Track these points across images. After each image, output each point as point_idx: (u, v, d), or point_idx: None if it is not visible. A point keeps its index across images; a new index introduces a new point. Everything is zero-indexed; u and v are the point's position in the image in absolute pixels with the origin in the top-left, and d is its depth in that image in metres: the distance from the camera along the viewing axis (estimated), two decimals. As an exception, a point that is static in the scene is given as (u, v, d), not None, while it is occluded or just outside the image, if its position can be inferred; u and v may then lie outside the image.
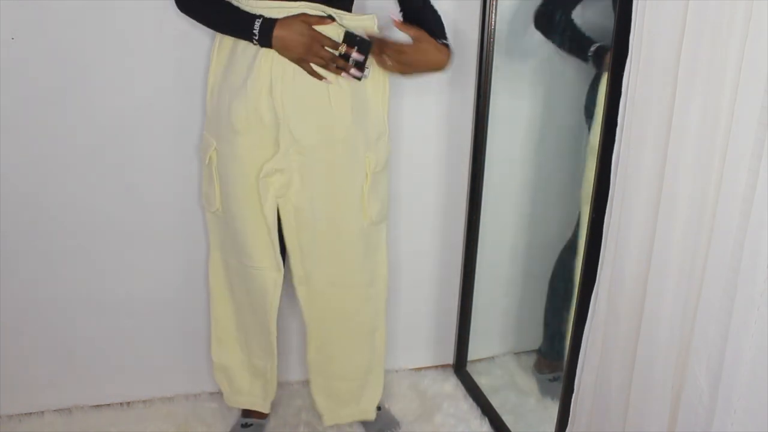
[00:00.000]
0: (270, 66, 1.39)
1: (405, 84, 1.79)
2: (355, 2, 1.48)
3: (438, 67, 1.47)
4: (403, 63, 1.42)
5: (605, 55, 1.36)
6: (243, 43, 1.41)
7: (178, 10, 1.47)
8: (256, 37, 1.36)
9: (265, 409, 1.78)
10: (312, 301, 1.62)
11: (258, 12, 1.37)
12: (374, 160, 1.53)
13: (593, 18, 1.71)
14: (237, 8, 1.39)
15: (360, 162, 1.51)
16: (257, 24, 1.35)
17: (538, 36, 1.81)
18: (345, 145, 1.48)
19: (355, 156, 1.51)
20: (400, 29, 1.42)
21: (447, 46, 1.47)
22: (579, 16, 1.71)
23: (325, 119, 1.45)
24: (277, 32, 1.35)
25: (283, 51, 1.37)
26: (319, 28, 1.37)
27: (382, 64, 1.44)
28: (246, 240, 1.54)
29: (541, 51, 1.87)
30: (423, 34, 1.42)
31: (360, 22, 1.43)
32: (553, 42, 1.78)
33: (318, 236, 1.55)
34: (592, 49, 1.67)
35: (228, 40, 1.45)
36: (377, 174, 1.55)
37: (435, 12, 1.51)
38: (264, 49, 1.38)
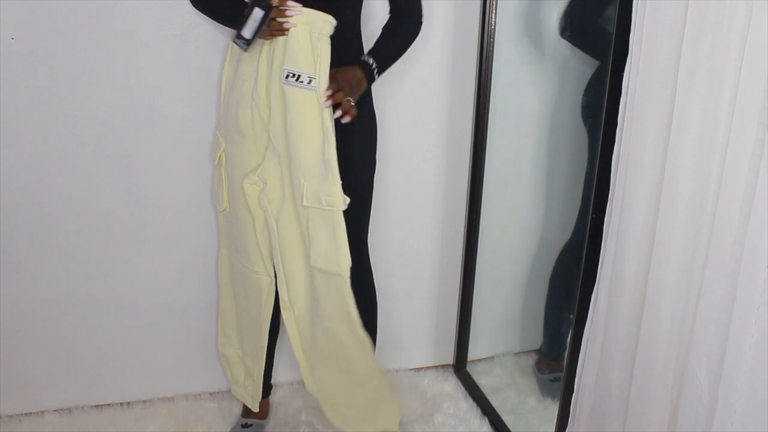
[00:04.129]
0: (267, 69, 1.39)
1: (404, 84, 1.79)
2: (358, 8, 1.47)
3: (359, 78, 1.41)
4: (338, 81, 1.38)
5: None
6: None
7: (184, 10, 1.51)
8: None
9: (254, 408, 1.78)
10: (296, 328, 1.56)
11: None
12: (312, 194, 1.41)
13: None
14: (240, 1, 1.40)
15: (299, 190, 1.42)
16: None
17: (543, 36, 1.81)
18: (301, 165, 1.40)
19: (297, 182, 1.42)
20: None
21: (365, 63, 1.42)
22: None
23: (291, 132, 1.38)
24: None
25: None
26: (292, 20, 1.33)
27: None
28: (246, 242, 1.55)
29: (543, 49, 1.87)
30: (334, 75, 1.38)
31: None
32: (584, 50, 1.72)
33: (298, 259, 1.50)
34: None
35: None
36: (321, 212, 1.42)
37: None
38: (264, 51, 1.38)
